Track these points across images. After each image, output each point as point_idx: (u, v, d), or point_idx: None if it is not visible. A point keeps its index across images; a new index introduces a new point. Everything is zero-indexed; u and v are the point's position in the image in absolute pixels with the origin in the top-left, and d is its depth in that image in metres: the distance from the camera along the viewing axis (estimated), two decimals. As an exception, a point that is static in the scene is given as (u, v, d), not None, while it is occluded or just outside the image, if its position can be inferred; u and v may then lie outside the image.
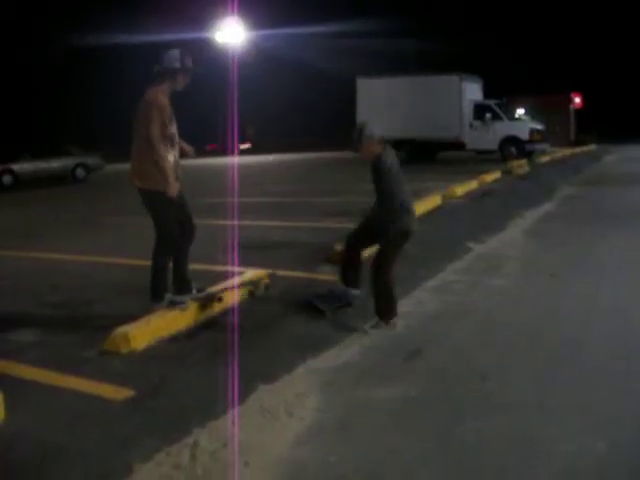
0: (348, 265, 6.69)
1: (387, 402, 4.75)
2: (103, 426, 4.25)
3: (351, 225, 10.63)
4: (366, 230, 6.60)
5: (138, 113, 5.98)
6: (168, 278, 6.21)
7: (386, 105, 29.43)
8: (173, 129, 6.01)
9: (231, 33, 39.27)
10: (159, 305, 6.06)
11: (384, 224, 6.26)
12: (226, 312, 6.29)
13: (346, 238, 6.79)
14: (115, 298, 7.16)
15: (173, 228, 6.06)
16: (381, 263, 6.27)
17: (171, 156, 5.97)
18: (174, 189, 5.90)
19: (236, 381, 4.83)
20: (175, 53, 6.06)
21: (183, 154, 6.34)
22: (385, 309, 6.29)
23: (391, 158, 6.35)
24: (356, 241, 6.67)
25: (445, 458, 3.94)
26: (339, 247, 8.36)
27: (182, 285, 6.25)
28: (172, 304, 6.08)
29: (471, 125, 28.30)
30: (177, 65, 6.04)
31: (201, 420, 4.42)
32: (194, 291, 6.30)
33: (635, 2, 56.21)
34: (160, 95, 5.93)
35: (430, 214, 11.77)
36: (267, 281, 7.02)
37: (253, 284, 6.80)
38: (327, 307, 6.50)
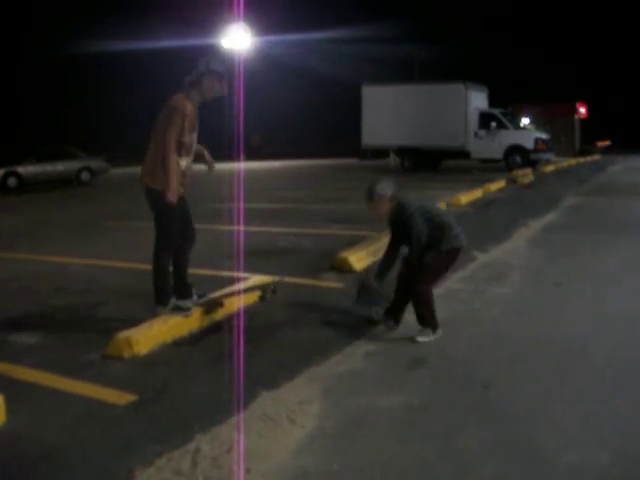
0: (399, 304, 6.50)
1: (389, 410, 4.73)
2: (105, 430, 4.24)
3: (355, 232, 10.70)
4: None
5: (159, 116, 6.02)
6: (171, 282, 6.21)
7: (391, 113, 29.51)
8: (192, 137, 6.03)
9: (237, 39, 39.29)
10: (164, 310, 6.05)
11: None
12: (229, 318, 6.28)
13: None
14: (119, 302, 7.16)
15: (174, 230, 6.06)
16: (426, 275, 6.19)
17: (183, 161, 5.99)
18: (173, 194, 5.89)
19: (239, 387, 4.82)
20: (202, 60, 6.06)
21: (207, 165, 6.46)
22: (428, 315, 6.18)
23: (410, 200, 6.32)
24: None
25: (447, 467, 3.92)
26: (343, 254, 8.37)
27: (183, 290, 6.24)
28: (176, 309, 6.07)
29: (476, 134, 28.29)
30: (203, 69, 6.01)
31: (203, 426, 4.41)
32: (195, 296, 6.29)
33: (641, 13, 56.28)
34: (187, 102, 5.94)
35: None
36: (272, 287, 7.00)
37: (263, 287, 6.81)
38: (376, 314, 6.50)
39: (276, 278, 7.21)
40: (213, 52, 6.93)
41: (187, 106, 5.92)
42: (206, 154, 6.41)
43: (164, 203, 5.94)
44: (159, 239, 6.12)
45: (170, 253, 6.15)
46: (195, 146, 6.16)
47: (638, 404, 4.70)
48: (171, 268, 6.25)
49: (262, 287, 6.86)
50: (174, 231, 6.09)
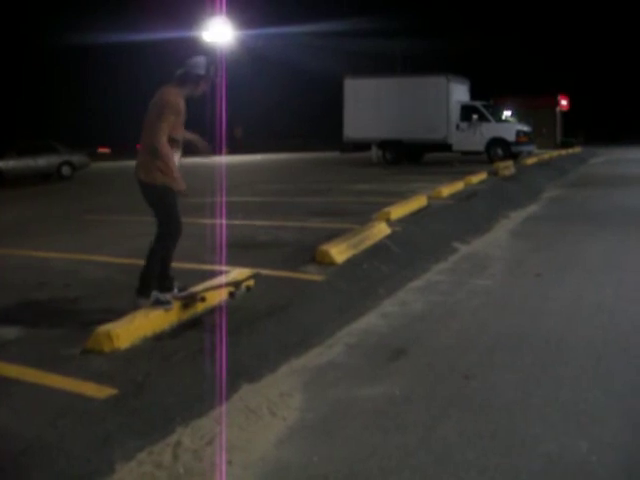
0: None
1: (370, 402, 4.75)
2: (85, 425, 4.22)
3: (337, 225, 10.70)
4: None
5: (151, 109, 6.02)
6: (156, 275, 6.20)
7: (373, 106, 29.50)
8: (181, 133, 6.06)
9: (219, 32, 39.17)
10: (145, 302, 6.03)
11: None
12: (210, 311, 6.27)
13: None
14: (100, 296, 7.12)
15: (177, 221, 6.10)
16: None
17: (175, 156, 6.00)
18: (181, 184, 5.96)
19: (220, 380, 4.82)
20: (202, 60, 6.13)
21: (199, 152, 6.59)
22: None
23: None
24: None
25: (427, 458, 3.94)
26: (324, 247, 8.37)
27: (165, 283, 6.23)
28: (157, 303, 6.05)
29: (458, 126, 28.36)
30: (202, 72, 6.10)
31: (184, 419, 4.41)
32: (175, 290, 6.28)
33: (622, 6, 56.60)
34: (179, 98, 5.97)
35: (416, 215, 11.79)
36: (250, 282, 6.96)
37: (235, 284, 6.74)
38: None
39: (250, 274, 7.09)
40: (208, 55, 7.06)
41: (180, 103, 5.97)
42: (200, 142, 6.47)
43: (163, 196, 5.98)
44: (162, 233, 6.12)
45: (172, 247, 6.18)
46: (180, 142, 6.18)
47: (616, 394, 4.74)
48: None
49: (235, 284, 6.75)
50: (177, 223, 6.11)
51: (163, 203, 6.03)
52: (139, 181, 6.07)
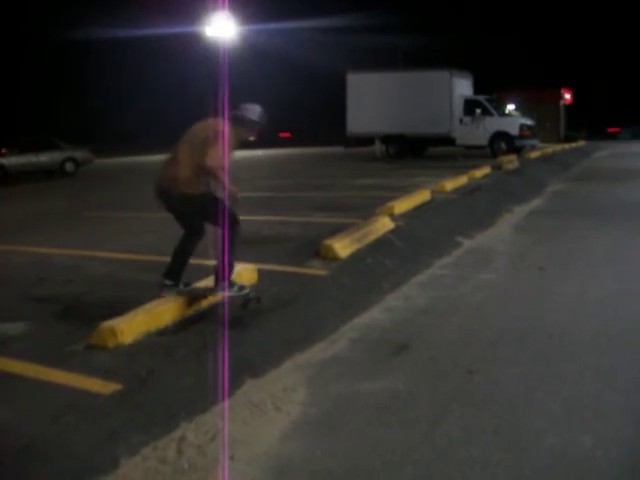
0: None
1: (374, 396, 4.74)
2: (89, 420, 4.22)
3: (340, 219, 10.69)
4: None
5: (196, 133, 6.13)
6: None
7: (376, 100, 29.47)
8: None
9: (221, 28, 39.10)
10: (230, 291, 6.16)
11: None
12: (214, 306, 6.27)
13: None
14: (103, 292, 7.13)
15: (230, 214, 6.15)
16: None
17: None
18: (236, 190, 6.06)
19: (224, 375, 4.83)
20: (259, 109, 6.33)
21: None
22: None
23: None
24: None
25: (431, 452, 3.94)
26: (328, 241, 8.36)
27: (174, 275, 6.28)
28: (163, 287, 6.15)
29: (461, 120, 28.34)
30: (256, 119, 6.30)
31: (188, 414, 4.42)
32: (181, 285, 6.29)
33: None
34: (231, 133, 6.07)
35: (419, 209, 11.78)
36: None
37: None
38: None
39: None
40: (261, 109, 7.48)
41: (232, 138, 6.07)
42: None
43: (201, 202, 6.10)
44: (229, 227, 6.15)
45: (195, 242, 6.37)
46: None
47: (619, 388, 4.73)
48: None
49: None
50: (228, 214, 6.13)
51: (201, 207, 6.14)
52: (178, 193, 6.06)
